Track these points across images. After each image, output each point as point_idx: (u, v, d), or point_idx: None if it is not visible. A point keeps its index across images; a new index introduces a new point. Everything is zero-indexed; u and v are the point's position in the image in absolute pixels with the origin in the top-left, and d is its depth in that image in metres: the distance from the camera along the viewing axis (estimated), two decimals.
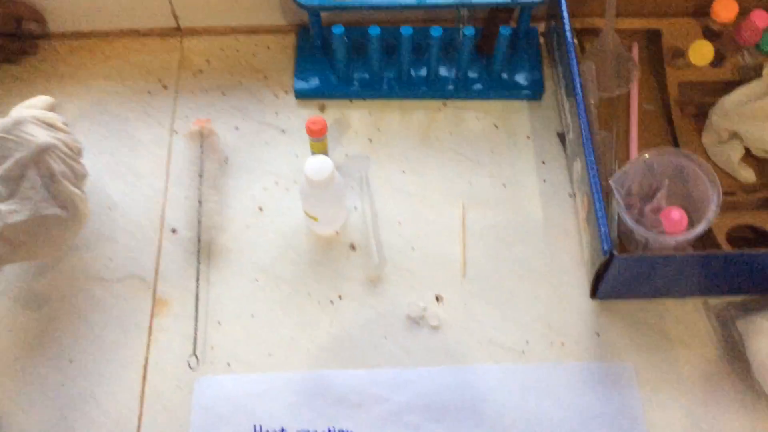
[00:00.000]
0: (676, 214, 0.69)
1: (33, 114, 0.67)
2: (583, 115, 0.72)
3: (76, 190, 0.66)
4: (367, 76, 0.87)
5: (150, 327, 0.73)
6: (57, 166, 0.65)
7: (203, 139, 0.81)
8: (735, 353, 0.71)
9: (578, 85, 0.74)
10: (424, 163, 0.83)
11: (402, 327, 0.73)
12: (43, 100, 0.72)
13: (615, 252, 0.64)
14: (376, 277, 0.76)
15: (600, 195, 0.68)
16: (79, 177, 0.68)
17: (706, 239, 0.73)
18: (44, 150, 0.64)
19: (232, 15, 0.90)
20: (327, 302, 0.75)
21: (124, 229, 0.78)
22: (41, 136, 0.65)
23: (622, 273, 0.68)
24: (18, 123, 0.65)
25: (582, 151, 0.71)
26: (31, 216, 0.62)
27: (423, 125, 0.86)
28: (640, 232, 0.68)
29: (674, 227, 0.68)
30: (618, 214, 0.71)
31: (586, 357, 0.71)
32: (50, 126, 0.68)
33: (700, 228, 0.67)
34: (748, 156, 0.79)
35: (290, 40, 0.91)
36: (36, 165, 0.64)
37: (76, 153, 0.69)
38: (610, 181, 0.70)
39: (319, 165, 0.70)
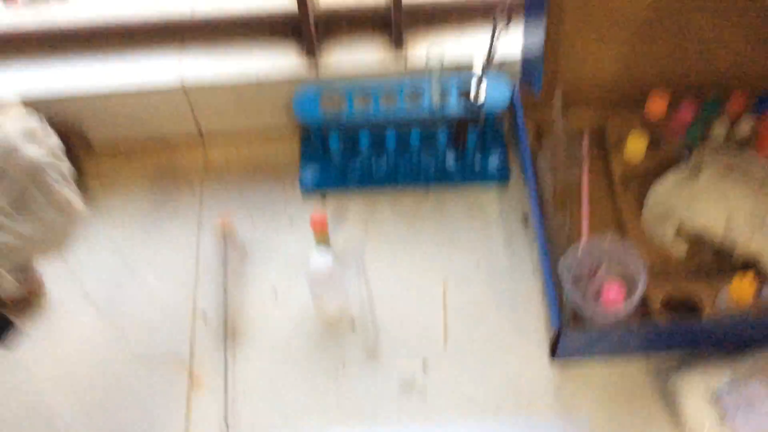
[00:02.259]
0: (613, 292, 0.84)
1: (17, 130, 0.76)
2: (538, 213, 0.88)
3: (69, 191, 0.78)
4: (360, 170, 1.03)
5: (188, 400, 0.89)
6: (50, 178, 0.76)
7: (225, 233, 0.98)
8: (672, 405, 0.85)
9: (527, 158, 0.90)
10: (411, 245, 0.99)
11: (395, 388, 0.89)
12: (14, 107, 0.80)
13: (563, 328, 0.80)
14: (372, 348, 0.91)
15: (551, 282, 0.84)
16: (67, 175, 0.79)
17: (644, 307, 0.89)
18: (38, 170, 0.76)
19: (247, 123, 1.07)
20: (332, 371, 0.90)
21: (162, 315, 0.95)
22: (33, 155, 0.75)
23: (574, 341, 0.84)
24: (9, 151, 0.74)
25: (537, 244, 0.87)
26: (40, 226, 0.75)
27: (410, 212, 1.02)
28: (585, 309, 0.84)
29: (612, 302, 0.83)
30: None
31: (548, 411, 0.86)
32: (33, 136, 0.77)
33: (633, 300, 0.82)
34: (681, 233, 0.95)
35: (295, 142, 1.08)
36: (34, 183, 0.75)
37: (61, 153, 0.80)
38: (559, 268, 0.86)
39: (321, 261, 0.86)
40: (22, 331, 0.77)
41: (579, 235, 0.95)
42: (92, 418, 0.88)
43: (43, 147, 0.78)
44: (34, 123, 0.78)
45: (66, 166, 0.80)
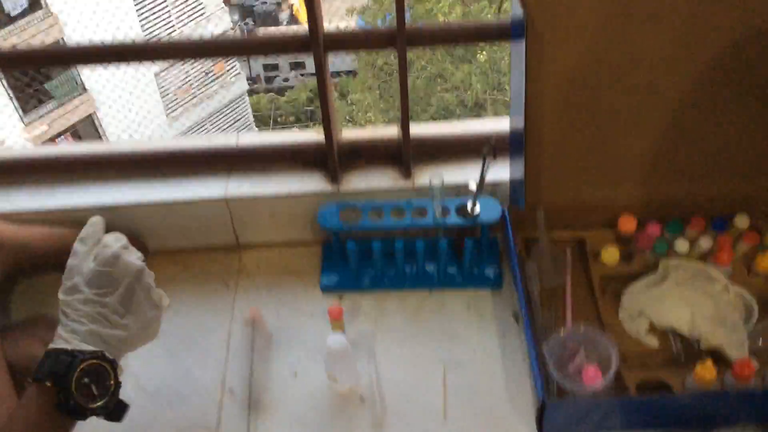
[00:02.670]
0: (592, 371, 0.96)
1: (119, 244, 0.89)
2: (526, 311, 1.03)
3: (160, 290, 0.91)
4: (372, 274, 1.20)
5: None
6: (150, 279, 0.90)
7: (254, 323, 1.13)
8: None
9: (517, 269, 1.06)
10: (415, 336, 1.13)
11: None
12: (100, 220, 0.94)
13: (546, 399, 0.92)
14: (378, 422, 1.03)
15: (536, 362, 0.97)
16: (153, 276, 0.92)
17: (621, 390, 1.00)
18: (142, 272, 0.89)
19: (277, 233, 1.25)
20: None
21: (195, 392, 1.07)
22: (134, 261, 0.89)
23: (557, 414, 0.95)
24: (116, 257, 0.87)
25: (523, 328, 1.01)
26: (142, 321, 0.89)
27: (414, 308, 1.17)
28: (566, 385, 0.96)
29: (591, 381, 0.96)
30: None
31: None
32: (126, 247, 0.90)
33: (607, 377, 0.94)
34: (653, 328, 1.08)
35: (317, 250, 1.26)
36: (139, 284, 0.88)
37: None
38: (543, 349, 0.99)
39: (337, 339, 1.00)
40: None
41: (562, 326, 1.08)
42: None
43: (134, 255, 0.92)
44: (123, 238, 0.93)
45: (153, 278, 0.94)
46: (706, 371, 0.96)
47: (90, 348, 0.84)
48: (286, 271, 1.23)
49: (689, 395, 0.93)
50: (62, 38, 8.01)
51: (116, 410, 0.88)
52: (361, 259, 1.21)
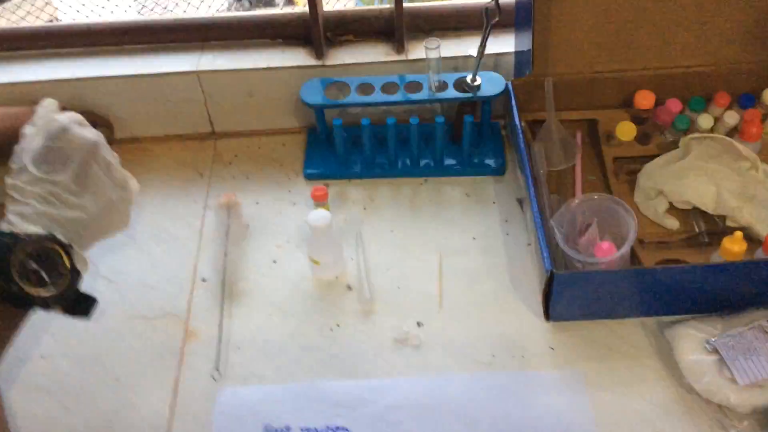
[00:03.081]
0: (606, 245, 0.86)
1: (68, 117, 0.78)
2: (526, 164, 0.92)
3: (126, 171, 0.80)
4: (362, 161, 1.08)
5: (182, 351, 0.89)
6: (109, 155, 0.78)
7: (230, 207, 1.01)
8: (666, 360, 0.84)
9: (522, 146, 0.94)
10: (408, 223, 1.01)
11: (388, 347, 0.88)
12: (53, 102, 0.81)
13: (554, 270, 0.81)
14: (367, 309, 0.92)
15: (542, 229, 0.86)
16: (117, 157, 0.81)
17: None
18: (98, 145, 0.77)
19: (257, 121, 1.13)
20: (327, 330, 0.90)
21: (164, 280, 0.97)
22: (88, 134, 0.77)
23: (566, 292, 0.84)
24: (64, 129, 0.76)
25: (528, 196, 0.90)
26: (103, 204, 0.78)
27: (408, 196, 1.05)
28: (576, 258, 0.85)
29: (604, 254, 0.85)
30: (559, 246, 0.88)
31: (542, 367, 0.85)
32: (80, 123, 0.79)
33: (624, 248, 0.83)
34: (672, 209, 0.97)
35: (302, 138, 1.14)
36: (95, 160, 0.77)
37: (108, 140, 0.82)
38: (551, 221, 0.88)
39: (319, 214, 0.89)
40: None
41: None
42: (87, 369, 0.88)
43: (90, 130, 0.80)
44: (78, 116, 0.80)
45: (113, 152, 0.82)
46: (735, 244, 0.85)
47: (39, 231, 0.73)
48: (267, 159, 1.12)
49: (716, 266, 0.82)
50: None
51: (79, 304, 0.77)
52: (350, 145, 1.09)
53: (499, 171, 1.07)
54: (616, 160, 1.03)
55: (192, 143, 1.14)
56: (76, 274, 0.74)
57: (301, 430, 0.81)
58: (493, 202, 1.04)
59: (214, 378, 0.86)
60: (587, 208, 0.90)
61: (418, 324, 0.90)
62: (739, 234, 0.85)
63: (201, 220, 1.04)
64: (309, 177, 1.08)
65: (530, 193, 0.91)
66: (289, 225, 1.02)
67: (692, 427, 0.79)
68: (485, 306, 0.91)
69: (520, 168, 0.99)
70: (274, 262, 0.98)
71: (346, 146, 1.07)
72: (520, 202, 1.03)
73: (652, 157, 1.01)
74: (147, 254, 1.00)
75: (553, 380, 0.84)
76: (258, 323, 0.91)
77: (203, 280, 0.96)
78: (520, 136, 0.98)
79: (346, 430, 0.81)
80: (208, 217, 1.04)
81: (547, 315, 0.89)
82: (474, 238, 0.99)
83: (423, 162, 1.08)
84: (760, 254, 0.87)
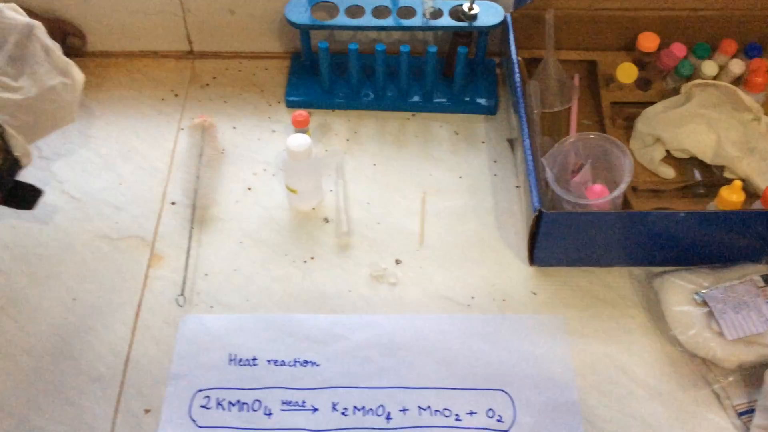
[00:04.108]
0: (598, 187, 0.81)
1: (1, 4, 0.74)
2: (521, 100, 0.87)
3: (69, 60, 0.75)
4: (347, 90, 1.02)
5: (146, 275, 0.84)
6: (46, 38, 0.74)
7: (204, 129, 0.96)
8: (653, 311, 0.81)
9: (518, 82, 0.89)
10: (392, 158, 0.96)
11: (364, 283, 0.84)
12: None
13: (542, 209, 0.77)
14: (344, 243, 0.87)
15: (533, 168, 0.81)
16: (61, 50, 0.77)
17: None
18: (33, 27, 0.73)
19: (238, 42, 1.07)
20: (301, 262, 0.86)
21: (131, 201, 0.91)
22: (21, 17, 0.73)
23: (553, 234, 0.80)
24: None
25: (520, 135, 0.85)
26: (42, 89, 0.73)
27: (394, 130, 1.00)
28: (566, 198, 0.81)
29: (596, 196, 0.81)
30: (549, 188, 0.83)
31: (523, 311, 0.82)
32: (15, 10, 0.75)
33: (617, 190, 0.79)
34: (669, 157, 0.93)
35: (285, 64, 1.08)
36: (31, 42, 0.72)
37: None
38: (542, 159, 0.83)
39: (299, 139, 0.83)
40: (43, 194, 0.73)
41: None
42: (45, 287, 0.83)
43: (23, 15, 0.76)
44: (14, 5, 0.76)
45: (59, 46, 0.78)
46: (733, 193, 0.81)
47: None
48: (247, 83, 1.05)
49: (713, 215, 0.79)
50: None
51: (19, 193, 0.72)
52: (335, 73, 1.03)
53: (491, 110, 1.02)
54: (613, 105, 0.99)
55: (168, 62, 1.08)
56: (11, 158, 0.69)
57: (268, 362, 0.77)
58: (483, 142, 0.99)
59: (178, 304, 0.82)
60: (581, 147, 0.85)
61: (397, 261, 0.86)
62: (738, 183, 0.81)
63: (174, 141, 0.98)
64: (291, 104, 1.02)
65: (523, 132, 0.86)
66: (267, 152, 0.97)
67: (674, 380, 0.76)
68: (468, 247, 0.87)
69: (514, 107, 0.94)
70: (249, 189, 0.93)
71: (332, 73, 1.01)
72: (511, 142, 0.98)
73: (652, 103, 0.96)
74: (115, 173, 0.94)
75: (533, 325, 0.80)
76: (228, 251, 0.87)
77: (172, 203, 0.91)
78: (516, 72, 0.93)
79: (315, 364, 0.77)
80: (182, 138, 0.98)
81: (532, 258, 0.85)
82: (460, 178, 0.94)
83: (412, 96, 1.02)
84: (758, 206, 0.84)
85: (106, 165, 0.95)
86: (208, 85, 1.05)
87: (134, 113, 1.01)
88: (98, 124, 0.99)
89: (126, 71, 1.06)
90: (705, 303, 0.77)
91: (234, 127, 1.00)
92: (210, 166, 0.94)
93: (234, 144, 0.98)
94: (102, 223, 0.89)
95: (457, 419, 0.73)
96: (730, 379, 0.75)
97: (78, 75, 0.77)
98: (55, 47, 0.75)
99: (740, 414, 0.73)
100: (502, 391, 0.75)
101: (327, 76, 1.01)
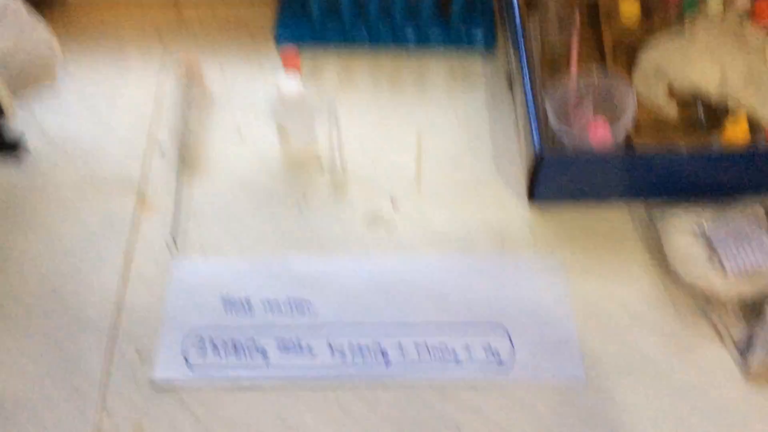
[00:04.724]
0: (600, 124, 0.79)
1: None
2: (520, 36, 0.83)
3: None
4: (339, 29, 0.99)
5: (136, 221, 0.82)
6: None
7: (191, 71, 0.92)
8: (652, 246, 0.79)
9: (517, 17, 0.86)
10: (387, 98, 0.93)
11: (359, 224, 0.82)
12: None
13: (543, 151, 0.74)
14: (338, 185, 0.85)
15: (533, 106, 0.79)
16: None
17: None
18: None
19: None
20: (294, 204, 0.84)
21: (116, 143, 0.88)
22: None
23: (553, 173, 0.78)
24: None
25: (519, 72, 0.82)
26: (19, 39, 0.70)
27: (388, 69, 0.97)
28: (567, 136, 0.78)
29: (597, 134, 0.78)
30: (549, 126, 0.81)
31: (522, 250, 0.80)
32: None
33: (619, 128, 0.77)
34: (672, 93, 0.90)
35: (273, 7, 1.03)
36: None
37: None
38: (542, 95, 0.80)
39: (289, 80, 0.80)
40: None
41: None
42: (31, 234, 0.81)
43: None
44: None
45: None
46: (738, 129, 0.78)
47: None
48: (234, 23, 1.01)
49: (715, 152, 0.77)
50: None
51: (6, 147, 0.69)
52: (326, 9, 0.99)
53: (489, 46, 0.99)
54: (616, 39, 0.95)
55: (150, 9, 1.03)
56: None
57: (262, 301, 0.76)
58: (480, 80, 0.96)
59: (169, 249, 0.80)
60: (582, 84, 0.82)
61: (392, 202, 0.84)
62: (742, 117, 0.79)
63: (159, 84, 0.94)
64: (281, 43, 0.99)
65: (522, 68, 0.83)
66: (257, 94, 0.94)
67: (674, 315, 0.75)
68: (465, 187, 0.85)
69: (513, 42, 0.91)
70: (239, 132, 0.90)
71: (323, 9, 0.97)
72: (509, 80, 0.95)
73: (655, 39, 0.93)
74: (100, 118, 0.91)
75: (532, 263, 0.79)
76: (219, 196, 0.84)
77: (161, 147, 0.88)
78: (515, 6, 0.89)
79: (309, 302, 0.76)
80: (167, 80, 0.94)
81: (531, 197, 0.83)
82: (457, 117, 0.92)
83: (407, 33, 0.99)
84: (762, 143, 0.81)
85: (90, 108, 0.92)
86: (194, 24, 1.01)
87: (117, 54, 0.97)
88: (81, 66, 0.95)
89: (108, 10, 1.02)
90: (706, 237, 0.75)
91: (222, 68, 0.96)
92: (197, 108, 0.91)
93: (222, 85, 0.94)
94: (87, 168, 0.86)
95: (455, 356, 0.72)
96: (730, 312, 0.73)
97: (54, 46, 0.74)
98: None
99: (739, 347, 0.72)
100: (501, 326, 0.74)
101: (318, 12, 0.97)
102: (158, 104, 0.92)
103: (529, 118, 0.77)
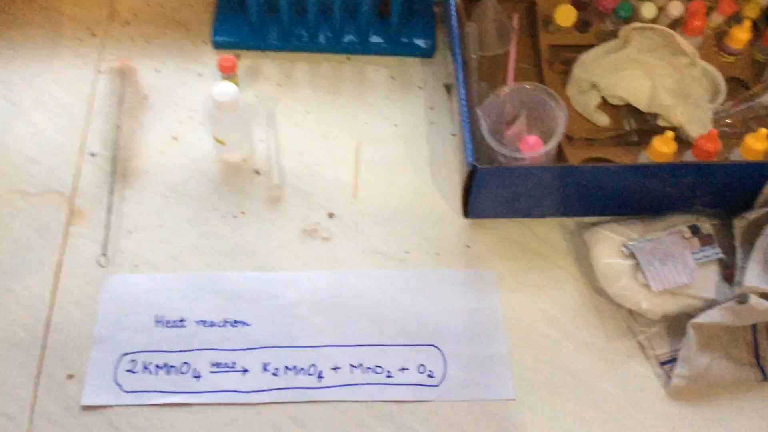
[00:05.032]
0: (532, 139, 0.80)
1: None
2: (457, 43, 0.83)
3: None
4: (278, 30, 0.97)
5: (65, 233, 0.80)
6: None
7: (125, 74, 0.90)
8: (582, 262, 0.81)
9: (455, 24, 0.86)
10: (326, 105, 0.93)
11: (296, 238, 0.82)
12: None
13: (476, 164, 0.75)
14: (276, 196, 0.85)
15: (468, 119, 0.79)
16: None
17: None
18: None
19: None
20: (230, 217, 0.83)
21: (47, 152, 0.86)
22: None
23: (486, 187, 0.79)
24: None
25: (456, 81, 0.83)
26: None
27: (328, 74, 0.96)
28: (500, 151, 0.79)
29: (530, 148, 0.79)
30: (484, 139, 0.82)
31: (456, 265, 0.81)
32: None
33: (551, 143, 0.78)
34: (604, 105, 0.92)
35: (211, 0, 1.01)
36: None
37: None
38: (477, 110, 0.81)
39: (225, 89, 0.79)
40: None
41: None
42: None
43: None
44: None
45: None
46: (664, 144, 0.81)
47: None
48: (171, 21, 0.99)
49: (643, 167, 0.79)
50: None
51: None
52: (265, 12, 0.97)
53: (428, 52, 0.99)
54: (552, 47, 0.96)
55: (85, 2, 1.00)
56: None
57: (197, 323, 0.75)
58: (420, 87, 0.96)
59: (100, 264, 0.78)
60: (517, 98, 0.83)
61: (330, 215, 0.84)
62: (670, 134, 0.81)
63: (92, 86, 0.92)
64: (218, 45, 0.97)
65: (459, 78, 0.84)
66: (194, 99, 0.92)
67: (601, 331, 0.78)
68: (402, 199, 0.86)
69: (451, 50, 0.91)
70: (174, 139, 0.88)
71: (261, 12, 0.95)
72: (448, 88, 0.96)
73: (590, 47, 0.94)
74: (28, 122, 0.88)
75: (465, 279, 0.80)
76: (153, 206, 0.83)
77: (92, 154, 0.86)
78: (453, 13, 0.89)
79: (245, 324, 0.76)
80: (101, 83, 0.92)
81: (466, 211, 0.84)
82: (396, 126, 0.92)
83: (346, 37, 0.98)
84: (688, 157, 0.84)
85: (19, 113, 0.89)
86: (128, 23, 0.98)
87: (48, 55, 0.94)
88: (8, 67, 0.92)
89: (38, 7, 0.98)
90: (633, 255, 0.78)
91: (157, 71, 0.94)
92: (132, 113, 0.89)
93: (157, 89, 0.92)
94: (16, 177, 0.84)
95: (388, 376, 0.74)
96: (654, 329, 0.77)
97: None
98: None
99: (662, 363, 0.75)
100: (434, 346, 0.76)
101: (256, 15, 0.95)
102: (92, 108, 0.89)
103: (464, 131, 0.78)
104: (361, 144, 0.90)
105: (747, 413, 0.74)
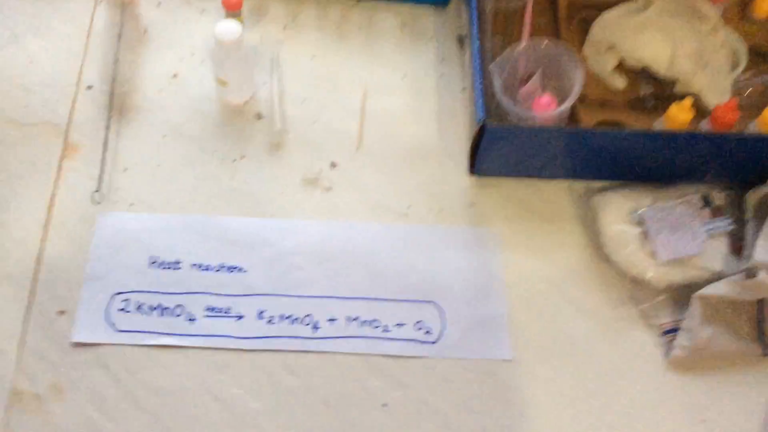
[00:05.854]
0: (546, 99, 0.77)
1: None
2: (476, 32, 0.80)
3: None
4: None
5: (59, 167, 0.78)
6: None
7: (125, 5, 0.86)
8: (589, 227, 0.80)
9: (473, 2, 0.82)
10: (332, 51, 0.90)
11: (297, 187, 0.80)
12: None
13: (486, 121, 0.72)
14: (277, 142, 0.82)
15: (480, 73, 0.76)
16: None
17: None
18: None
19: None
20: (229, 160, 0.81)
21: (43, 82, 0.83)
22: None
23: (495, 146, 0.77)
24: None
25: (470, 34, 0.79)
26: None
27: (336, 17, 0.92)
28: (512, 110, 0.77)
29: (542, 108, 0.77)
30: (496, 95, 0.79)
31: (459, 223, 0.79)
32: None
33: (565, 104, 0.76)
34: (621, 67, 0.89)
35: None
36: None
37: None
38: (490, 66, 0.78)
39: (229, 27, 0.75)
40: None
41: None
42: None
43: None
44: None
45: None
46: (681, 111, 0.78)
47: None
48: None
49: (657, 133, 0.77)
50: None
51: None
52: None
53: (442, 1, 0.95)
54: (571, 4, 0.93)
55: None
56: None
57: (192, 266, 0.74)
58: (431, 38, 0.92)
59: (95, 200, 0.76)
60: (532, 55, 0.80)
61: (332, 165, 0.82)
62: (688, 101, 0.78)
63: (90, 16, 0.88)
64: None
65: (473, 30, 0.80)
66: (196, 36, 0.89)
67: (603, 298, 0.76)
68: (407, 153, 0.83)
69: (465, 4, 0.88)
70: (174, 76, 0.85)
71: None
72: (461, 40, 0.92)
73: (609, 5, 0.91)
74: (24, 50, 0.85)
75: (468, 238, 0.78)
76: (150, 144, 0.81)
77: (89, 87, 0.83)
78: None
79: (241, 269, 0.74)
80: (99, 14, 0.88)
81: (473, 168, 0.82)
82: (405, 76, 0.89)
83: None
84: (705, 126, 0.82)
85: (15, 40, 0.85)
86: None
87: None
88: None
89: None
90: (641, 222, 0.76)
91: (159, 4, 0.90)
92: (131, 47, 0.85)
93: (158, 24, 0.89)
94: (9, 107, 0.81)
95: (385, 330, 0.72)
96: (659, 299, 0.75)
97: None
98: None
99: (664, 333, 0.74)
100: (433, 303, 0.74)
101: None
102: (90, 40, 0.86)
103: (475, 87, 0.75)
104: (368, 93, 0.87)
105: (744, 387, 0.73)
